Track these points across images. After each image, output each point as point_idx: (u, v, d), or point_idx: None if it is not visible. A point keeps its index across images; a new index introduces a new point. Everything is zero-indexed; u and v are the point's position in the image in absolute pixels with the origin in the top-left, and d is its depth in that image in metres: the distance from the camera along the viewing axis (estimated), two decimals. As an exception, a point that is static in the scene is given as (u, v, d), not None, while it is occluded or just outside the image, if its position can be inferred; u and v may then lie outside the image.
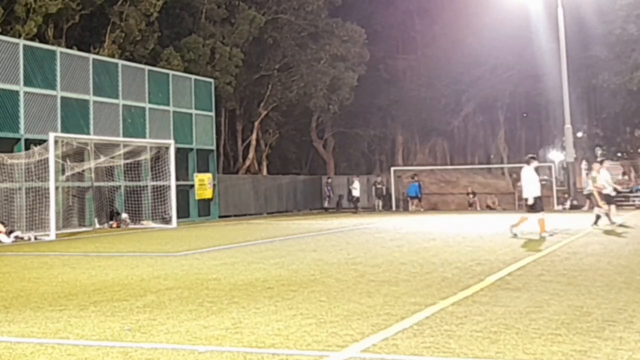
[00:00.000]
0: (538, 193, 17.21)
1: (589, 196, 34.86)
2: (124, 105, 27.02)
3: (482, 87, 48.91)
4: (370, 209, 40.66)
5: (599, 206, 20.21)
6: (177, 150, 27.62)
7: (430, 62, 50.77)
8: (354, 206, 38.71)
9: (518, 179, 49.56)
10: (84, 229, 23.93)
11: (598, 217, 20.00)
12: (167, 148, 26.61)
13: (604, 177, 20.92)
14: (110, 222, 25.58)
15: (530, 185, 17.20)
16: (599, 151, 50.65)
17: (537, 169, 17.89)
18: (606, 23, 40.74)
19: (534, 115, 57.75)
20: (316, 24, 40.85)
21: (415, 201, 39.47)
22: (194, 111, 31.05)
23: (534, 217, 17.12)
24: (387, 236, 18.63)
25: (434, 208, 41.34)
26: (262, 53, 40.37)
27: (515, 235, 16.72)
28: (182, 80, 30.72)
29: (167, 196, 26.66)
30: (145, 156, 26.96)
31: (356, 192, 38.61)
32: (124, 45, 31.18)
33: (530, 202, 17.09)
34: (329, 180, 42.81)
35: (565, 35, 35.22)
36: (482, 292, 8.55)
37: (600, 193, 20.14)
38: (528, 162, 17.70)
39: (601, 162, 21.98)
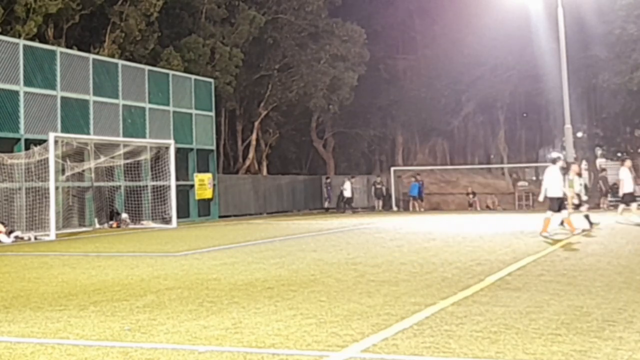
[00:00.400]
0: (558, 194, 17.15)
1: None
2: (124, 105, 27.01)
3: (482, 87, 48.86)
4: (368, 209, 40.70)
5: (577, 207, 20.21)
6: (177, 150, 27.62)
7: (430, 62, 50.75)
8: (345, 207, 38.86)
9: (518, 179, 49.82)
10: (84, 229, 23.93)
11: (587, 216, 20.01)
12: (167, 148, 26.62)
13: (623, 176, 20.87)
14: (110, 222, 25.58)
15: (555, 184, 17.11)
16: (599, 151, 50.64)
17: (561, 169, 17.81)
18: (606, 23, 40.70)
19: (534, 115, 57.72)
20: (316, 24, 40.83)
21: (417, 201, 39.53)
22: (194, 111, 31.05)
23: (549, 215, 17.05)
24: (387, 236, 18.63)
25: (435, 208, 41.34)
26: (262, 53, 40.35)
27: (581, 232, 16.71)
28: (182, 80, 30.72)
29: (167, 196, 26.66)
30: (145, 156, 26.96)
31: (347, 193, 38.83)
32: (124, 45, 31.17)
33: (570, 194, 17.07)
34: (328, 181, 42.83)
35: (565, 35, 35.18)
36: (482, 292, 8.55)
37: (572, 196, 20.17)
38: (554, 162, 17.63)
39: (623, 162, 21.87)
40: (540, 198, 17.54)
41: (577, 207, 20.20)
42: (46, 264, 13.12)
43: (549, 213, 17.04)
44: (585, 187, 35.22)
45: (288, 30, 40.22)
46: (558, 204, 17.15)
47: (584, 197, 20.62)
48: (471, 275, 10.14)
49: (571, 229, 17.09)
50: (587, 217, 19.96)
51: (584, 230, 17.54)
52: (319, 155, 50.96)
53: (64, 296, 9.02)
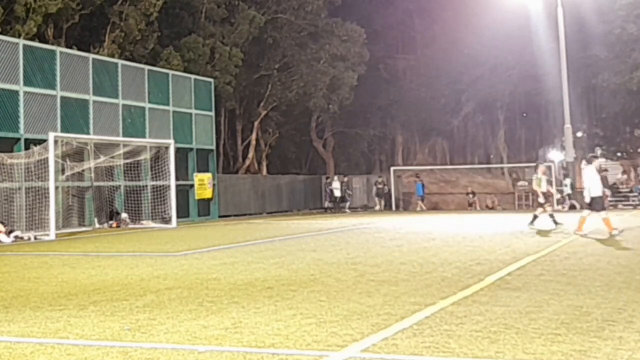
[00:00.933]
0: (599, 193, 17.02)
1: (568, 196, 35.27)
2: (124, 105, 27.01)
3: (482, 87, 48.91)
4: (363, 209, 40.73)
5: (541, 206, 20.25)
6: (177, 150, 27.61)
7: (430, 62, 50.78)
8: (338, 206, 38.84)
9: (518, 179, 49.80)
10: (84, 229, 23.93)
11: (536, 217, 20.07)
12: (167, 148, 26.61)
13: None
14: (110, 222, 25.57)
15: (592, 184, 17.02)
16: (599, 151, 50.63)
17: (599, 168, 17.69)
18: (606, 23, 40.75)
19: (534, 115, 57.74)
20: (316, 24, 40.85)
21: (419, 201, 39.63)
22: (194, 111, 31.04)
23: (597, 216, 17.00)
24: (387, 236, 18.63)
25: (435, 208, 41.34)
26: (262, 53, 40.36)
27: (586, 235, 16.61)
28: (182, 80, 30.71)
29: (167, 196, 26.66)
30: (145, 156, 26.95)
31: (337, 192, 38.84)
32: (124, 45, 31.17)
33: (588, 200, 16.99)
34: (328, 181, 42.85)
35: (565, 35, 35.21)
36: (482, 292, 8.55)
37: (543, 194, 20.18)
38: (590, 161, 17.53)
39: None
40: (587, 200, 17.37)
41: (541, 205, 20.32)
42: (46, 264, 13.12)
43: (604, 214, 16.98)
44: (572, 187, 35.46)
45: (288, 30, 40.23)
46: (601, 203, 17.08)
47: (541, 200, 20.63)
48: (471, 275, 10.14)
49: (609, 229, 16.93)
50: (535, 216, 20.10)
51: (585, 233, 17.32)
52: (319, 155, 50.96)
53: (64, 296, 9.02)
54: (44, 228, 21.10)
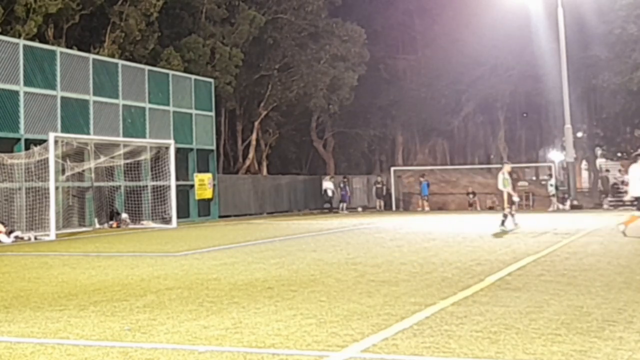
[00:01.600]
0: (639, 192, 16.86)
1: (553, 196, 35.34)
2: (124, 105, 27.00)
3: (482, 87, 48.89)
4: (362, 209, 40.74)
5: (503, 207, 20.30)
6: (177, 150, 27.61)
7: (430, 62, 50.76)
8: (331, 206, 38.84)
9: (518, 179, 49.79)
10: (84, 229, 23.92)
11: (505, 216, 20.11)
12: (167, 148, 26.61)
13: None
14: (110, 222, 25.57)
15: (634, 183, 16.85)
16: (599, 151, 50.66)
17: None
18: (606, 23, 40.73)
19: (534, 115, 57.74)
20: (316, 24, 40.86)
21: (422, 201, 39.66)
22: (194, 111, 31.04)
23: (638, 214, 16.84)
24: (387, 236, 18.63)
25: (441, 208, 41.31)
26: (262, 53, 40.36)
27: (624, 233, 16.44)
28: (182, 80, 30.71)
29: (167, 196, 26.66)
30: (145, 156, 26.96)
31: (330, 192, 38.86)
32: (124, 45, 31.17)
33: (633, 198, 16.82)
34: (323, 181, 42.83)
35: (565, 35, 35.23)
36: (482, 292, 8.55)
37: (509, 195, 20.20)
38: (635, 160, 17.34)
39: None
40: (627, 197, 17.26)
41: (514, 203, 20.34)
42: (46, 264, 13.12)
43: (638, 213, 16.78)
44: (557, 187, 35.62)
45: (288, 30, 40.23)
46: None
47: (515, 198, 20.66)
48: (471, 275, 10.14)
49: (625, 224, 16.75)
50: (505, 215, 20.15)
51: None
52: (319, 155, 50.95)
53: (64, 296, 9.02)
54: (44, 228, 21.10)
